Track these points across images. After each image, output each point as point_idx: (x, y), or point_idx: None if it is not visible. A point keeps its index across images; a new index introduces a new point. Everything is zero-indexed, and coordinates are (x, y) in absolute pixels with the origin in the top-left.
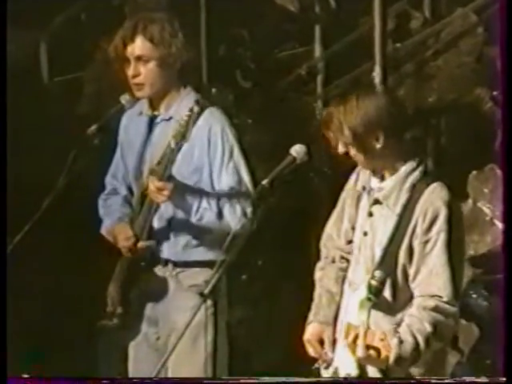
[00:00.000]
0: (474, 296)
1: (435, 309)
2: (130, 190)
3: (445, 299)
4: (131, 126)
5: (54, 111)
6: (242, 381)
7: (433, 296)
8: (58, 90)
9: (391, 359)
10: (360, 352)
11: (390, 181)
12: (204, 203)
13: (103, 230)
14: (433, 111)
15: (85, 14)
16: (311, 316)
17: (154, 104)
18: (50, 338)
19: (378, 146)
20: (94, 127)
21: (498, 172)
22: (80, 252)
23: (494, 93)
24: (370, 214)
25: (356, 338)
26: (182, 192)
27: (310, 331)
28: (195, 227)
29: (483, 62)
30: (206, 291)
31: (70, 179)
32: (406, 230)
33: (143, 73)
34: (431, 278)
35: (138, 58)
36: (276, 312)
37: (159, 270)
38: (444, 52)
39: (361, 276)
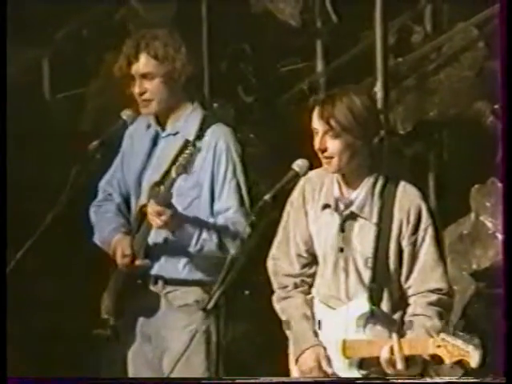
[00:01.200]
0: (478, 310)
1: (438, 303)
2: (124, 198)
3: (445, 291)
4: (136, 137)
5: (56, 127)
6: (238, 381)
7: (432, 291)
8: (59, 106)
9: (475, 361)
10: (400, 365)
11: (361, 190)
12: (204, 234)
13: (98, 239)
14: (434, 125)
15: (86, 30)
16: (298, 347)
17: (160, 119)
18: (51, 344)
19: (364, 148)
20: (95, 143)
21: (500, 186)
22: (81, 265)
23: (496, 106)
24: (342, 230)
25: (391, 352)
26: (181, 222)
27: (309, 359)
28: (194, 254)
29: (484, 76)
30: (209, 306)
31: (72, 194)
32: (390, 235)
33: (149, 89)
34: (426, 274)
35: (144, 76)
36: (278, 327)
37: (151, 289)
38: (445, 66)
39: (350, 291)
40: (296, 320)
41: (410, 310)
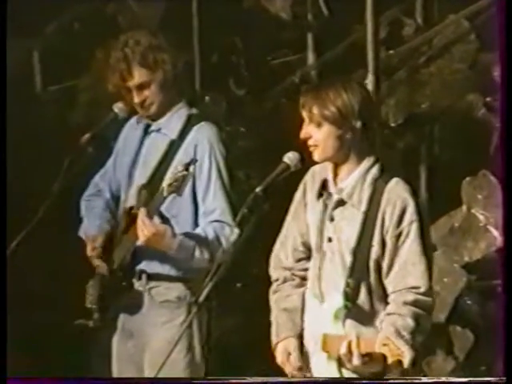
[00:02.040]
0: (469, 302)
1: (414, 303)
2: (113, 194)
3: (422, 289)
4: (129, 133)
5: (47, 120)
6: (233, 381)
7: (410, 288)
8: (51, 99)
9: (407, 362)
10: (356, 361)
11: (351, 179)
12: (197, 253)
13: (82, 233)
14: (426, 118)
15: (78, 23)
16: (274, 339)
17: (157, 116)
18: (46, 338)
19: (347, 136)
20: (87, 135)
21: (492, 178)
22: (73, 257)
23: (487, 99)
24: (332, 219)
25: (349, 347)
26: (171, 244)
27: (280, 352)
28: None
29: (476, 68)
30: (201, 299)
31: (64, 187)
32: (374, 226)
33: (148, 96)
34: (407, 270)
35: (140, 87)
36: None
37: (134, 283)
38: (437, 59)
39: (332, 284)
40: (276, 313)
41: (387, 308)
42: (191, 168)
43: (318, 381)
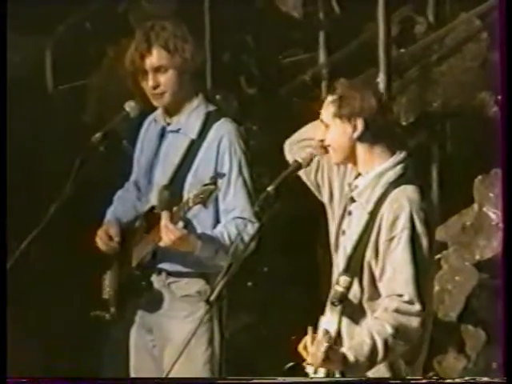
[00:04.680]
0: (481, 301)
1: (397, 310)
2: (138, 192)
3: (406, 298)
4: (147, 133)
5: (58, 119)
6: (237, 381)
7: (397, 295)
8: (62, 98)
9: (316, 365)
10: (311, 359)
11: (366, 178)
12: (220, 251)
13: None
14: (437, 116)
15: (89, 22)
16: None
17: (169, 112)
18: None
19: (356, 134)
20: (98, 134)
21: None
22: (85, 256)
23: (499, 97)
24: (349, 213)
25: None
26: (193, 245)
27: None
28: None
29: (487, 66)
30: (212, 298)
31: (75, 186)
32: (373, 228)
33: (163, 82)
34: (395, 276)
35: (157, 69)
36: (281, 318)
37: (154, 279)
38: (448, 57)
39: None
40: None
41: (375, 312)
42: (219, 182)
43: (327, 381)
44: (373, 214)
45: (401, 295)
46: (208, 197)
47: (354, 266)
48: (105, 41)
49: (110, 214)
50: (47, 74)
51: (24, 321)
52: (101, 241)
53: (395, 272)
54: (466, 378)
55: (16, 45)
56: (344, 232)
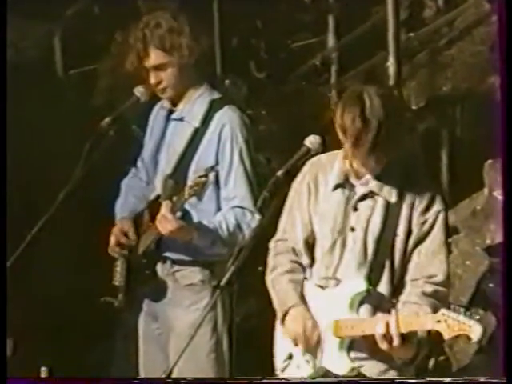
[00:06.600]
0: (491, 285)
1: (432, 294)
2: (148, 179)
3: (441, 277)
4: (155, 119)
5: (68, 104)
6: (241, 381)
7: (428, 277)
8: (72, 83)
9: (477, 335)
10: (396, 341)
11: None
12: (218, 240)
13: (116, 210)
14: (447, 100)
15: (98, 7)
16: (281, 308)
17: (174, 100)
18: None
19: (370, 135)
20: (108, 119)
21: None
22: (95, 242)
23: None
24: (355, 209)
25: (387, 328)
26: (192, 235)
27: (291, 320)
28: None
29: (497, 50)
30: (223, 283)
31: (85, 171)
32: (400, 214)
33: (164, 78)
34: (428, 259)
35: (156, 68)
36: None
37: (159, 267)
38: (458, 41)
39: (351, 270)
40: (278, 287)
41: (403, 297)
42: (211, 175)
43: (326, 381)
44: (394, 203)
45: (435, 276)
46: (201, 189)
47: (383, 255)
48: (114, 26)
49: (122, 209)
50: (56, 59)
51: (30, 304)
52: (116, 239)
53: (428, 254)
54: (466, 378)
55: (25, 30)
56: (353, 228)
